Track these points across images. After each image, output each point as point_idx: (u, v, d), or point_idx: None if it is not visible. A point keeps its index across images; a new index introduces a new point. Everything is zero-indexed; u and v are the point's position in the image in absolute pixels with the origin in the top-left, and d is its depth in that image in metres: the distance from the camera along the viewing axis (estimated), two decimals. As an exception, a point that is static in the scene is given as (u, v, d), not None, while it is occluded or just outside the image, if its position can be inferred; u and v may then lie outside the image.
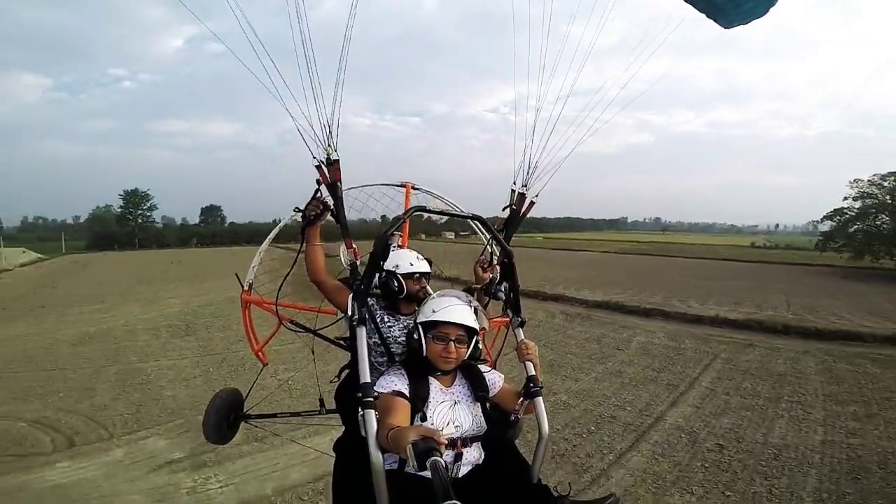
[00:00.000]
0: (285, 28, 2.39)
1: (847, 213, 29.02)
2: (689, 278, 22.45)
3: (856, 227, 28.46)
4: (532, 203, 2.91)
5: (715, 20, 2.68)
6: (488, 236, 2.80)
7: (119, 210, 79.45)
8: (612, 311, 14.04)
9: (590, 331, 11.59)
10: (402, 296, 2.46)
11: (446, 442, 1.54)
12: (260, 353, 3.47)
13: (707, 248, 51.87)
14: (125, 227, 76.76)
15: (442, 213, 2.67)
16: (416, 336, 2.05)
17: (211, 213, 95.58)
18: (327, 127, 2.50)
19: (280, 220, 3.46)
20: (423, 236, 18.30)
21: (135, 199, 78.29)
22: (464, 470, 1.93)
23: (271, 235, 3.42)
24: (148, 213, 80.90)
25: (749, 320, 12.26)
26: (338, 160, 2.53)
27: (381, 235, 2.25)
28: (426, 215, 2.64)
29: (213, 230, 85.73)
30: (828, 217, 30.49)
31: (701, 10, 2.64)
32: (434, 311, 2.05)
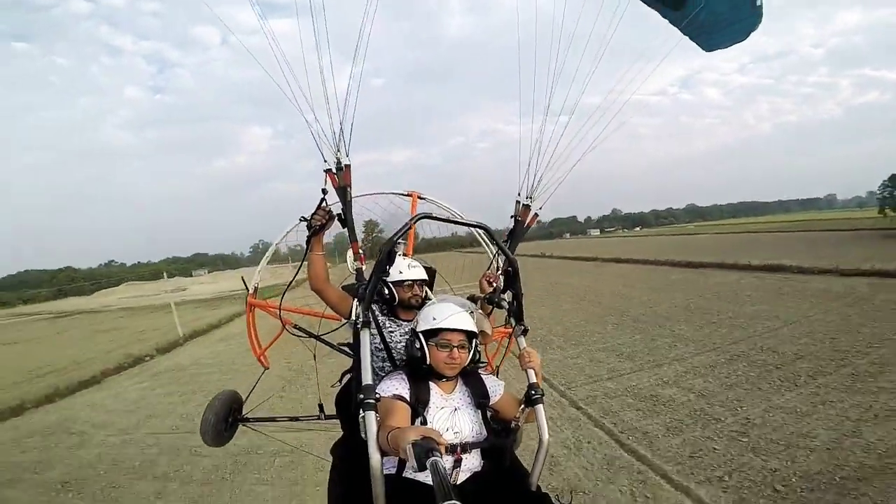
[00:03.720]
0: (302, 33, 2.42)
1: None
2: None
3: None
4: (536, 215, 2.92)
5: (696, 42, 2.73)
6: (492, 246, 2.80)
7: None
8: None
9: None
10: (395, 303, 2.47)
11: (447, 442, 1.52)
12: (262, 357, 3.44)
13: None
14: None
15: (447, 220, 2.68)
16: (417, 345, 2.03)
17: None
18: (339, 133, 2.53)
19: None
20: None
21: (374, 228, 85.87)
22: (463, 476, 1.91)
23: (277, 241, 3.44)
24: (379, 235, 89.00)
25: None
26: (349, 165, 2.56)
27: (387, 242, 2.25)
28: (430, 231, 2.66)
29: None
30: None
31: (684, 32, 2.68)
32: (435, 319, 2.04)
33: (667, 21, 2.70)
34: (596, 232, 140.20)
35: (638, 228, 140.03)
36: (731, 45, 2.78)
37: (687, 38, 2.72)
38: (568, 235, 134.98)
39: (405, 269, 2.50)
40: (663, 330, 10.56)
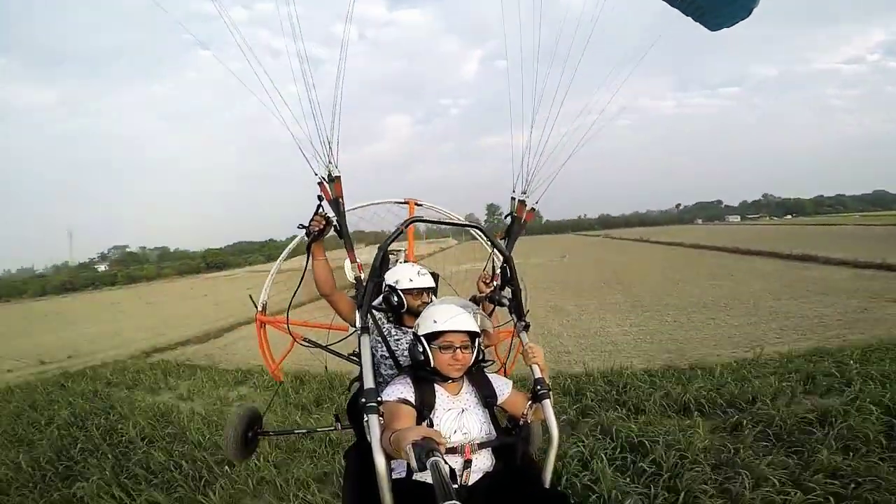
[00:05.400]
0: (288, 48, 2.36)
1: None
2: None
3: None
4: (532, 210, 2.87)
5: (700, 22, 2.72)
6: (489, 245, 2.79)
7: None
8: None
9: None
10: (404, 310, 2.43)
11: (446, 442, 1.51)
12: (276, 373, 3.51)
13: None
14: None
15: (439, 222, 2.65)
16: (420, 348, 2.01)
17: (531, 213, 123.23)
18: (328, 144, 2.47)
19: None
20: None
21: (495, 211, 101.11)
22: (475, 477, 1.89)
23: (283, 255, 3.45)
24: (499, 217, 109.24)
25: None
26: (339, 177, 2.52)
27: (380, 246, 2.24)
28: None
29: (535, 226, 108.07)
30: None
31: (685, 13, 2.66)
32: (436, 322, 2.01)
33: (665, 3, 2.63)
34: (735, 218, 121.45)
35: (789, 216, 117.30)
36: (734, 24, 2.73)
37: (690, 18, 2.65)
38: (700, 221, 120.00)
39: (415, 276, 2.45)
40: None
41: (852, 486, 3.57)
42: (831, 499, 3.46)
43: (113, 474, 4.64)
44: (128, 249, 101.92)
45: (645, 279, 18.81)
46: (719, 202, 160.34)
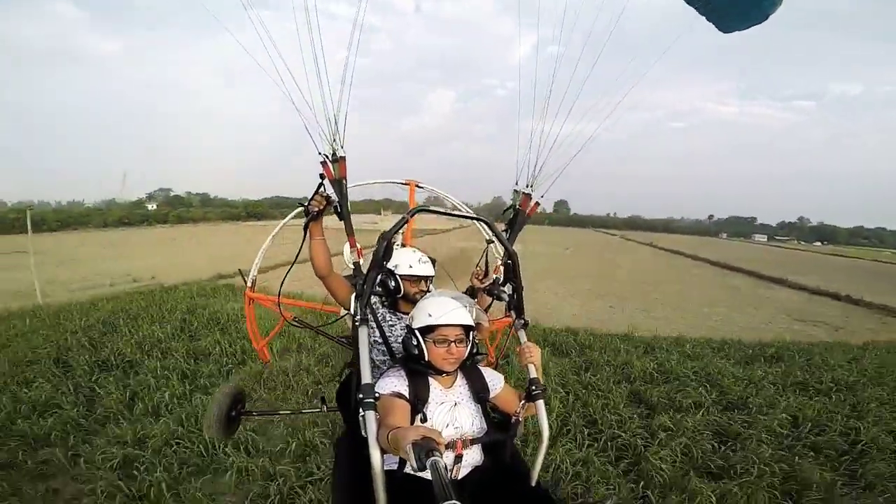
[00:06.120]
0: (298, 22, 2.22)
1: None
2: None
3: None
4: (537, 203, 2.76)
5: (712, 22, 2.54)
6: (493, 238, 2.73)
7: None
8: None
9: None
10: (400, 295, 2.43)
11: (446, 442, 1.52)
12: (263, 350, 3.48)
13: None
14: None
15: (445, 213, 2.58)
16: (414, 342, 2.00)
17: (559, 206, 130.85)
18: (334, 121, 2.36)
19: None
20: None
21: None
22: (464, 471, 1.91)
23: (273, 232, 3.41)
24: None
25: None
26: (344, 157, 2.43)
27: (385, 235, 2.19)
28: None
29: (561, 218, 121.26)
30: None
31: (700, 12, 2.51)
32: (430, 316, 2.00)
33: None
34: (762, 238, 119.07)
35: (818, 243, 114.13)
36: (748, 28, 2.55)
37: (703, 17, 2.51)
38: (724, 236, 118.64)
39: (415, 263, 2.45)
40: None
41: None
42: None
43: (221, 336, 7.40)
44: (172, 193, 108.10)
45: (619, 275, 21.84)
46: (753, 219, 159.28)
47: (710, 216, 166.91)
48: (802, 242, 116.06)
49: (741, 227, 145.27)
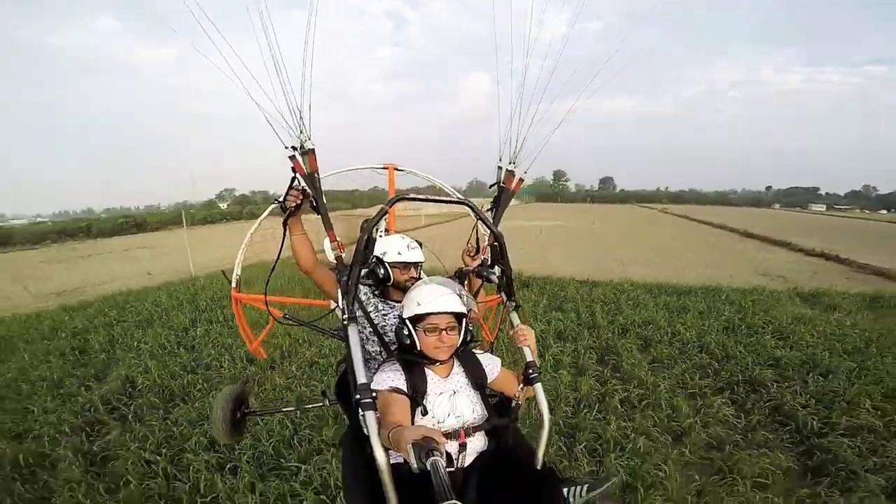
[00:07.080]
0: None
1: None
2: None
3: None
4: (521, 180, 2.57)
5: None
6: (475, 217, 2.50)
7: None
8: None
9: None
10: (390, 283, 2.37)
11: (446, 441, 1.49)
12: (258, 350, 3.49)
13: None
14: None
15: (426, 199, 2.46)
16: (405, 332, 1.97)
17: (605, 183, 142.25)
18: (298, 113, 2.20)
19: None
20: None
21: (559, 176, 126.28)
22: (469, 459, 1.89)
23: (251, 231, 3.34)
24: (564, 183, 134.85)
25: None
26: (313, 150, 2.27)
27: (366, 227, 2.10)
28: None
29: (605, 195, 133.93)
30: None
31: None
32: (419, 304, 1.94)
33: None
34: (820, 207, 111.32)
35: (884, 211, 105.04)
36: None
37: None
38: (777, 206, 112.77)
39: (404, 250, 2.38)
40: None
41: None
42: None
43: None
44: (237, 192, 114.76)
45: (629, 239, 23.63)
46: (816, 189, 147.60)
47: (769, 187, 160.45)
48: (866, 211, 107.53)
49: (799, 197, 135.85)
